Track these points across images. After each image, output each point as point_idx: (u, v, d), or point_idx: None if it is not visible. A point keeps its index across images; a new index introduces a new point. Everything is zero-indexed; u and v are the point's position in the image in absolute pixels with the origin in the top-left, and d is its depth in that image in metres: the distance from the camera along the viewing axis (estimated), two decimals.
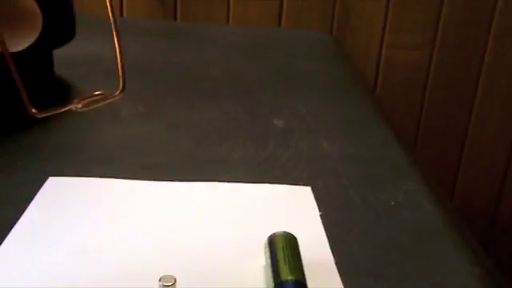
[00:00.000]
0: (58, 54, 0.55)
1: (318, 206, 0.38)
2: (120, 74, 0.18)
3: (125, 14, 0.96)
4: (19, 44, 0.20)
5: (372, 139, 0.49)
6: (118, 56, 0.20)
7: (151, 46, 0.73)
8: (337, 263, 0.32)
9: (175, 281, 0.27)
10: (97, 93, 0.20)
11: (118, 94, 0.18)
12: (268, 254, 0.30)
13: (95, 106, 0.19)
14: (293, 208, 0.37)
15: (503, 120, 1.06)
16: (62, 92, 0.56)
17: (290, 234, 0.31)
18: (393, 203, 0.38)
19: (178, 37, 0.79)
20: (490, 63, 1.02)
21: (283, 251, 0.30)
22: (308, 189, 0.40)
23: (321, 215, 0.36)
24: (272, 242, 0.31)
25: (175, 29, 0.86)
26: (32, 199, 0.36)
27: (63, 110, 0.21)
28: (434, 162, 1.07)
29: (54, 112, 0.19)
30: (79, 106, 0.20)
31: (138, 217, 0.35)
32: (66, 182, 0.38)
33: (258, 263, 0.31)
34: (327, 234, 0.34)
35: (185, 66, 0.67)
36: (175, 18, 0.98)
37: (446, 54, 1.02)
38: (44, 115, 0.18)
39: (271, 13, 0.98)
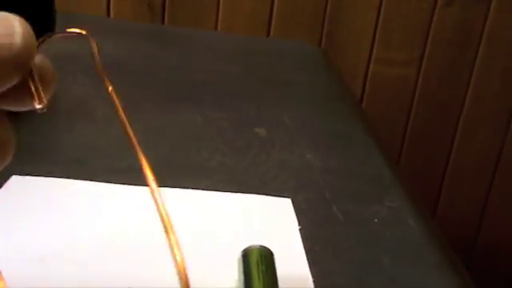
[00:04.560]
0: (43, 49, 0.53)
1: (298, 219, 0.36)
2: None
3: (112, 15, 0.94)
4: None
5: (356, 153, 0.48)
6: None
7: (136, 48, 0.71)
8: (314, 282, 0.30)
9: None
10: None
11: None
12: (241, 268, 0.28)
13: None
14: (271, 220, 0.36)
15: (489, 140, 1.06)
16: None
17: (265, 248, 0.29)
18: (376, 220, 0.37)
19: (165, 41, 0.77)
20: (477, 83, 1.02)
21: (257, 266, 0.28)
22: (288, 201, 0.38)
23: (300, 229, 0.34)
24: (246, 255, 0.29)
25: (162, 32, 0.85)
26: None
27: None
28: (416, 179, 1.06)
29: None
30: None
31: (101, 222, 0.33)
32: (29, 181, 0.36)
33: (231, 278, 0.29)
34: (306, 250, 0.33)
35: (169, 70, 0.65)
36: (163, 22, 0.96)
37: (433, 72, 1.01)
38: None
39: (260, 21, 0.97)
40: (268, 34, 0.98)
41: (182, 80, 0.62)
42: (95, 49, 0.21)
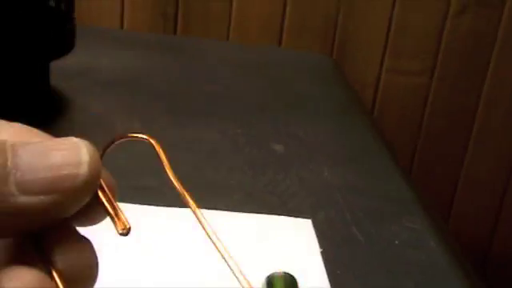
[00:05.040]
0: (56, 64, 0.53)
1: (319, 240, 0.36)
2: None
3: (125, 26, 0.95)
4: None
5: (375, 169, 0.48)
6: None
7: (149, 60, 0.71)
8: None
9: None
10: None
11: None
12: None
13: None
14: (292, 243, 0.35)
15: (502, 149, 1.05)
16: (56, 105, 0.54)
17: (289, 275, 0.29)
18: (397, 242, 0.36)
19: (178, 52, 0.77)
20: (490, 91, 1.02)
21: None
22: (308, 222, 0.38)
23: (322, 252, 0.34)
24: (270, 283, 0.29)
25: (175, 43, 0.85)
26: None
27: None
28: (428, 189, 1.06)
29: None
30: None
31: (119, 243, 0.33)
32: None
33: None
34: (327, 274, 0.32)
35: (183, 82, 0.65)
36: (175, 32, 0.96)
37: (445, 82, 1.01)
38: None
39: (272, 31, 0.97)
40: (279, 42, 0.98)
41: (196, 93, 0.62)
42: (164, 158, 0.20)
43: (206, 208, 0.37)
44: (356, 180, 0.45)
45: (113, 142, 0.20)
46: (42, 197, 0.15)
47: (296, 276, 0.29)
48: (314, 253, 0.34)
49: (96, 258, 0.17)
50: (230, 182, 0.42)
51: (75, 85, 0.58)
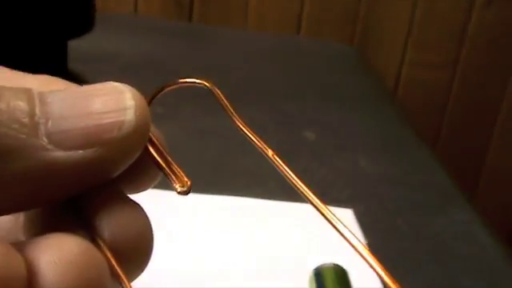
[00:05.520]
0: (73, 47, 0.51)
1: (362, 232, 0.33)
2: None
3: (139, 11, 0.92)
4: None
5: (412, 159, 0.45)
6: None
7: (166, 46, 0.69)
8: None
9: None
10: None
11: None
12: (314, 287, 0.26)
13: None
14: (334, 233, 0.33)
15: None
16: None
17: (339, 266, 0.27)
18: (445, 235, 0.34)
19: (196, 39, 0.75)
20: None
21: (334, 287, 0.26)
22: (349, 212, 0.35)
23: (368, 244, 0.32)
24: (319, 274, 0.27)
25: (192, 30, 0.82)
26: None
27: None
28: None
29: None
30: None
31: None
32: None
33: None
34: None
35: (204, 70, 0.62)
36: (190, 19, 0.94)
37: (469, 75, 0.98)
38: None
39: (291, 19, 0.94)
40: (298, 31, 0.96)
41: (219, 81, 0.59)
42: (225, 101, 0.17)
43: (240, 195, 0.35)
44: (394, 170, 0.42)
45: (162, 90, 0.17)
46: (81, 151, 0.12)
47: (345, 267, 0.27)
48: (359, 244, 0.32)
49: (150, 226, 0.13)
50: (262, 171, 0.40)
51: (93, 69, 0.56)
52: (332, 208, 0.37)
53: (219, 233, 0.32)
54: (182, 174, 0.14)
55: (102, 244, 0.12)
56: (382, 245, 0.32)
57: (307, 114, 0.52)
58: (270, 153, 0.16)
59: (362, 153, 0.45)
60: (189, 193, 0.14)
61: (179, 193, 0.14)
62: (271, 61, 0.69)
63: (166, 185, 0.14)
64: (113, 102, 0.13)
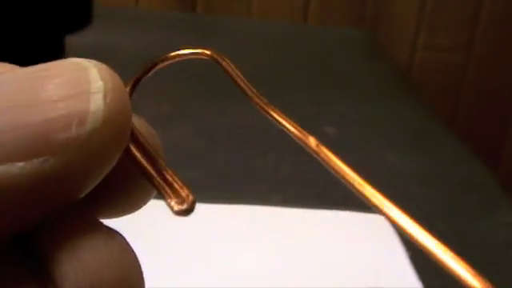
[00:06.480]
0: (71, 42, 0.47)
1: (401, 241, 0.29)
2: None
3: (140, 3, 0.88)
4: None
5: (443, 154, 0.41)
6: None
7: (170, 39, 0.65)
8: None
9: None
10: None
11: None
12: None
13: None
14: (369, 243, 0.29)
15: None
16: None
17: None
18: (496, 241, 0.30)
19: (201, 31, 0.71)
20: None
21: None
22: (381, 218, 0.31)
23: (410, 256, 0.28)
24: None
25: (196, 22, 0.78)
26: None
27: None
28: None
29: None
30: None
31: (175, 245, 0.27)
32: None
33: None
34: (421, 282, 0.26)
35: (209, 62, 0.58)
36: (194, 10, 0.90)
37: (483, 59, 0.94)
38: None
39: (296, 7, 0.90)
40: (305, 19, 0.91)
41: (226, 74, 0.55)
42: (241, 76, 0.12)
43: (260, 204, 0.31)
44: (427, 167, 0.38)
45: (152, 68, 0.12)
46: (21, 163, 0.08)
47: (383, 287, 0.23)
48: (397, 255, 0.28)
49: (136, 264, 0.09)
50: (281, 172, 0.36)
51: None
52: (362, 214, 0.32)
53: (235, 247, 0.28)
54: (181, 186, 0.09)
55: None
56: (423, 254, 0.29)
57: (326, 107, 0.48)
58: (311, 141, 0.12)
59: (389, 149, 0.41)
60: (190, 212, 0.09)
61: (176, 212, 0.09)
62: (282, 51, 0.65)
63: None
64: (70, 85, 0.08)
